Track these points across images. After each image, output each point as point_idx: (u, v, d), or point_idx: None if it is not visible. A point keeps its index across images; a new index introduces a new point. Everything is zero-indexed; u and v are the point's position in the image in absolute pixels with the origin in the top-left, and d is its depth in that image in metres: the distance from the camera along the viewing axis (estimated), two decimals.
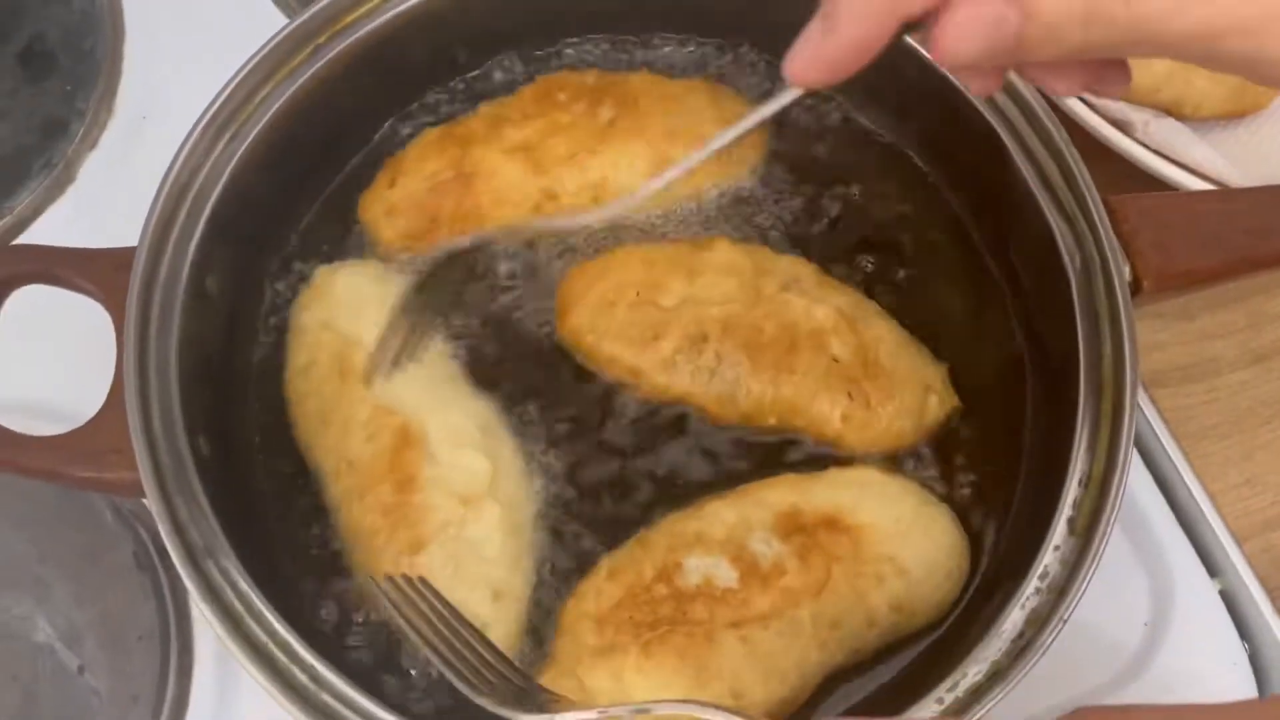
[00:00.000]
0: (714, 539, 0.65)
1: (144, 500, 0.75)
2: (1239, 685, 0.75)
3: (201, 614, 0.59)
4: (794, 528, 0.65)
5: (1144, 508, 0.77)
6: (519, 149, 0.77)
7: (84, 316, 0.74)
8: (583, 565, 0.68)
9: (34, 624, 0.75)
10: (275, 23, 0.94)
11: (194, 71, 0.91)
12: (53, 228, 0.88)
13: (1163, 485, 0.78)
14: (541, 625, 0.67)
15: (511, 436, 0.72)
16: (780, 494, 0.67)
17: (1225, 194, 0.75)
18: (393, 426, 0.69)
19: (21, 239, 0.87)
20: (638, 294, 0.73)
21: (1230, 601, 0.76)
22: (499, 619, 0.66)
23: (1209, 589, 0.77)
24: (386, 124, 0.81)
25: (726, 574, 0.64)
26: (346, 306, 0.72)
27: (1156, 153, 0.80)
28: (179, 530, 0.61)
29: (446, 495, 0.67)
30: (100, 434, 0.65)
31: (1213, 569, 0.77)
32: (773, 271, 0.73)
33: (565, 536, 0.70)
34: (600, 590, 0.65)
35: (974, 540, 0.69)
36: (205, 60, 0.90)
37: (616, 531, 0.69)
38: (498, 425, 0.72)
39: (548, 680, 0.63)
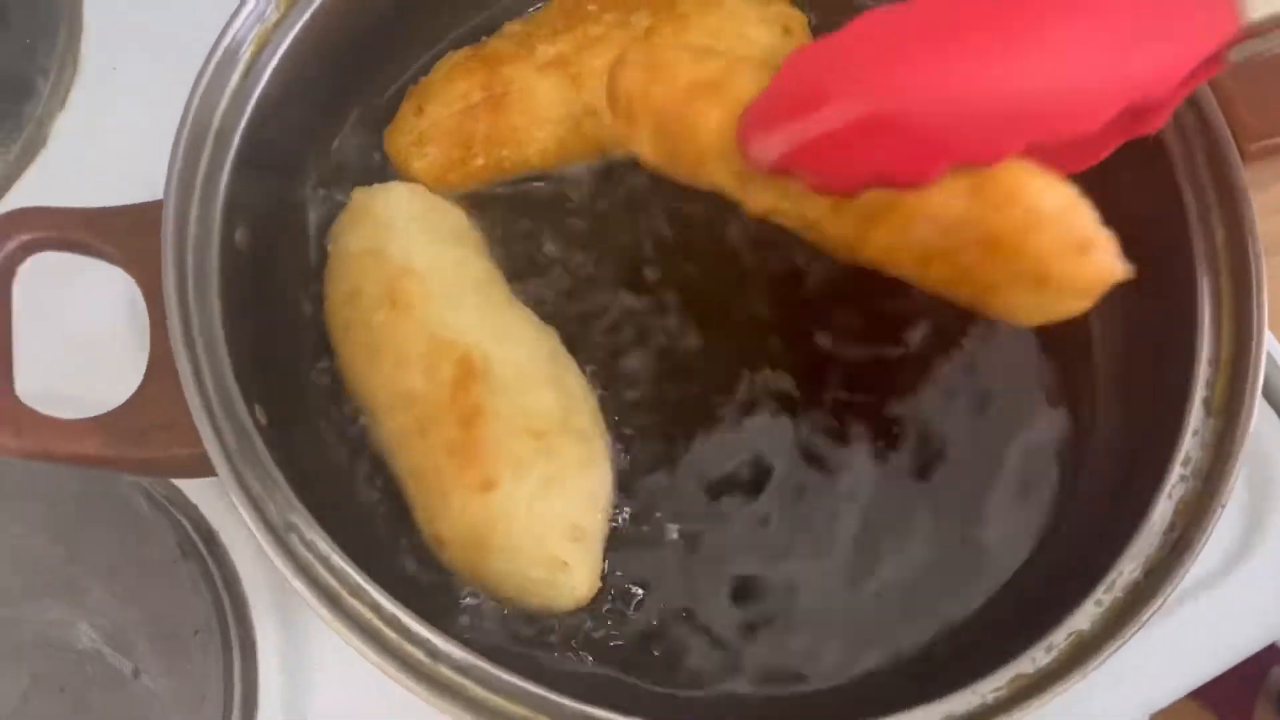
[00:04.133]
0: None
1: (184, 483, 0.71)
2: None
3: (300, 596, 0.53)
4: None
5: None
6: (553, 65, 0.71)
7: (96, 283, 0.67)
8: (654, 498, 0.65)
9: (74, 629, 0.68)
10: None
11: (162, 14, 0.85)
12: (30, 197, 0.79)
13: None
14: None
15: (579, 366, 0.67)
16: None
17: None
18: (454, 358, 0.63)
19: None
20: None
21: None
22: (579, 560, 0.61)
23: None
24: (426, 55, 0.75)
25: None
26: (390, 229, 0.67)
27: None
28: (256, 505, 0.55)
29: (517, 430, 0.62)
30: (143, 411, 0.59)
31: None
32: None
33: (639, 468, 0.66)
34: None
35: (1086, 437, 0.66)
36: (173, 2, 0.84)
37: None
38: (563, 354, 0.67)
39: None
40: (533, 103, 0.71)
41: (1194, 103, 0.64)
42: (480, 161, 0.71)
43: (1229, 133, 0.63)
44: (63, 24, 0.84)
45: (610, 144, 0.72)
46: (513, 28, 0.74)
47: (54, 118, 0.82)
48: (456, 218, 0.71)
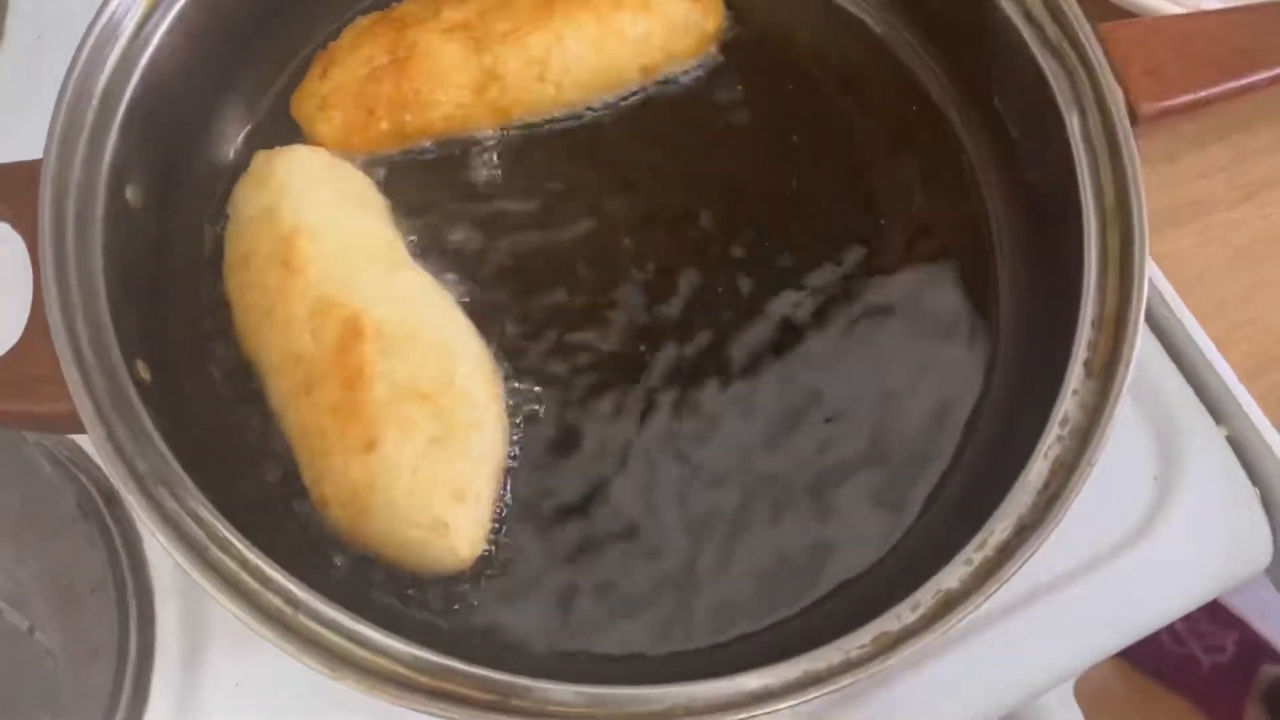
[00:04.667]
0: None
1: (87, 443, 0.71)
2: (1254, 530, 0.72)
3: (162, 547, 0.54)
4: None
5: (1144, 358, 0.74)
6: (458, 28, 0.71)
7: None
8: (552, 459, 0.65)
9: None
10: None
11: None
12: None
13: (1160, 333, 0.75)
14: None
15: (473, 327, 0.67)
16: None
17: (1213, 16, 0.71)
18: (341, 318, 0.63)
19: None
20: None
21: (1239, 447, 0.74)
22: (462, 522, 0.61)
23: (1215, 436, 0.74)
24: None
25: None
26: (286, 191, 0.66)
27: None
28: (123, 457, 0.55)
29: (402, 390, 0.62)
30: (23, 364, 0.59)
31: (1219, 416, 0.74)
32: None
33: (534, 430, 0.66)
34: None
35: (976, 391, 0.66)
36: None
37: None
38: (460, 318, 0.67)
39: None
40: (436, 66, 0.71)
41: (1089, 68, 0.63)
42: (384, 125, 0.71)
43: (1121, 96, 0.63)
44: None
45: (514, 110, 0.72)
46: None
47: None
48: (359, 181, 0.71)
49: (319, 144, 0.71)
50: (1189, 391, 0.74)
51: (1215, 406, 0.74)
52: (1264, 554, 0.73)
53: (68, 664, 0.67)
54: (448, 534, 0.61)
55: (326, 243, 0.65)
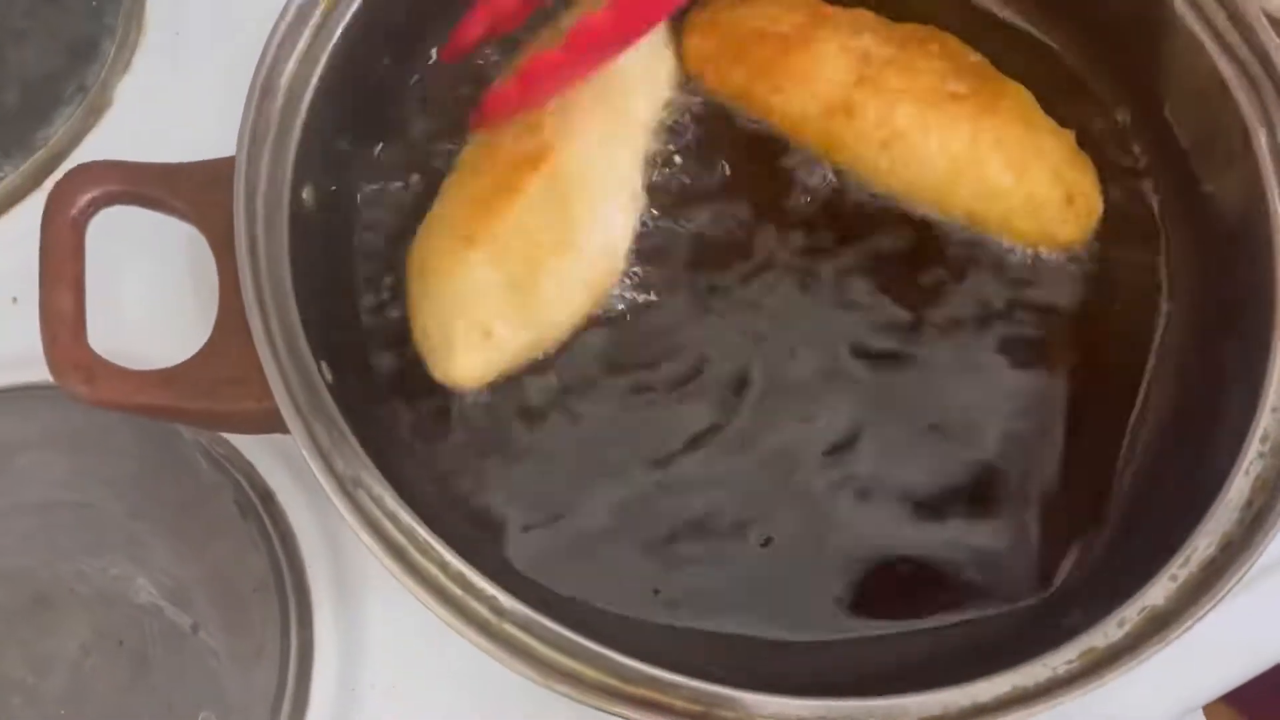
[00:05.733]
0: None
1: (241, 444, 0.71)
2: None
3: (368, 550, 0.53)
4: None
5: None
6: (858, 54, 0.70)
7: (163, 239, 0.68)
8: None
9: (134, 585, 0.68)
10: None
11: None
12: (93, 157, 0.79)
13: None
14: None
15: (631, 229, 0.69)
16: None
17: None
18: (540, 142, 0.67)
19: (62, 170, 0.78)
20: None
21: None
22: (467, 351, 0.65)
23: None
24: None
25: None
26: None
27: None
28: (323, 457, 0.55)
29: (530, 227, 0.66)
30: (213, 365, 0.59)
31: None
32: None
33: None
34: None
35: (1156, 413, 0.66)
36: None
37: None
38: (629, 214, 0.69)
39: None
40: (815, 68, 0.70)
41: (1274, 76, 0.63)
42: (738, 79, 0.72)
43: None
44: None
45: (839, 154, 0.72)
46: (862, 13, 0.73)
47: (119, 79, 0.82)
48: (670, 66, 0.73)
49: (688, 55, 0.74)
50: None
51: None
52: None
53: (232, 664, 0.67)
54: (449, 352, 0.65)
55: (593, 87, 0.67)
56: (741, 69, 0.72)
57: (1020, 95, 0.70)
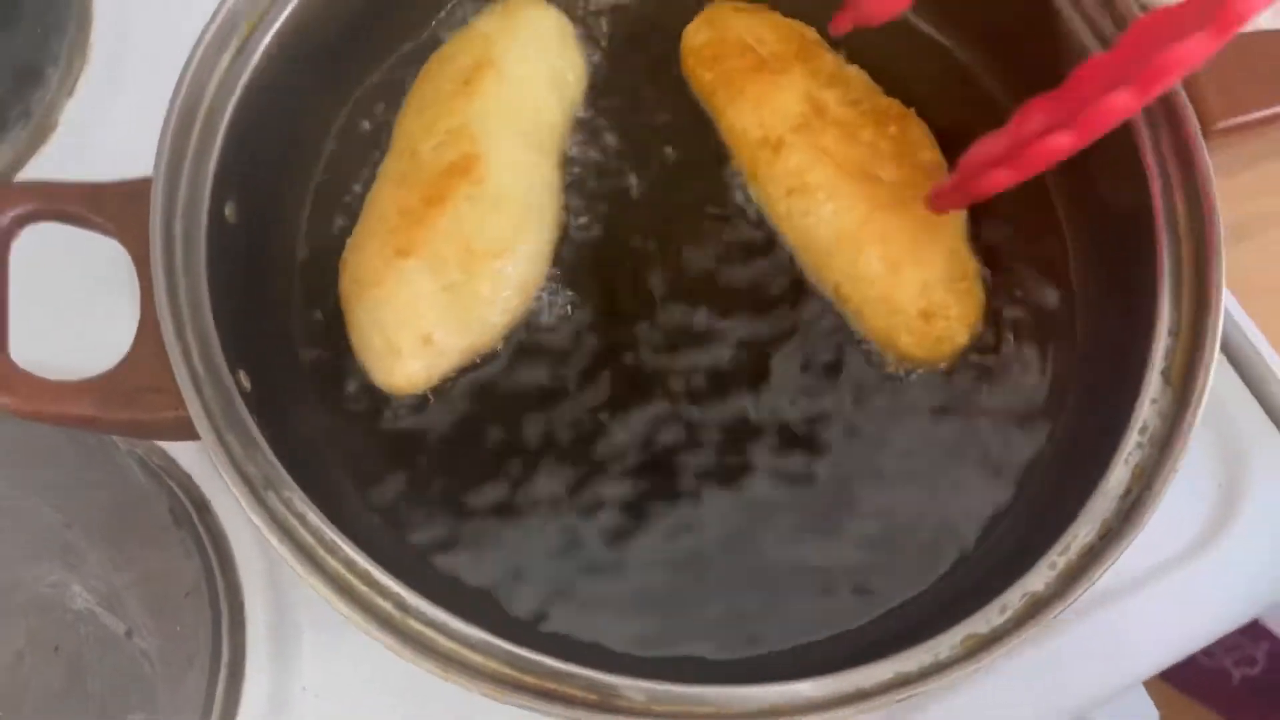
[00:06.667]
0: None
1: (177, 452, 0.74)
2: None
3: (276, 551, 0.55)
4: None
5: None
6: (815, 102, 0.73)
7: (89, 255, 0.70)
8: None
9: (69, 591, 0.70)
10: None
11: (167, 10, 0.87)
12: (37, 178, 0.82)
13: (1225, 346, 0.76)
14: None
15: (557, 232, 0.73)
16: None
17: (1275, 34, 0.72)
18: (464, 151, 0.70)
19: None
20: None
21: None
22: (411, 358, 0.67)
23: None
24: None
25: None
26: (515, 36, 0.74)
27: None
28: (234, 462, 0.57)
29: (459, 235, 0.68)
30: (135, 374, 0.61)
31: None
32: None
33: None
34: None
35: (1052, 404, 0.68)
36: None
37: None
38: (553, 214, 0.73)
39: None
40: (774, 102, 0.73)
41: None
42: (708, 76, 0.75)
43: (1193, 113, 0.64)
44: (73, 15, 0.87)
45: (756, 178, 0.74)
46: (852, 73, 0.75)
47: (62, 105, 0.85)
48: (574, 66, 0.77)
49: (689, 37, 0.77)
50: (1252, 401, 0.76)
51: (1278, 415, 0.76)
52: None
53: (164, 667, 0.68)
54: (396, 359, 0.67)
55: (506, 94, 0.72)
56: (714, 71, 0.75)
57: (952, 217, 0.70)
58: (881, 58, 0.76)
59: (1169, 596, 0.72)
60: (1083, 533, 0.57)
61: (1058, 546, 0.57)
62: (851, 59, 0.76)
